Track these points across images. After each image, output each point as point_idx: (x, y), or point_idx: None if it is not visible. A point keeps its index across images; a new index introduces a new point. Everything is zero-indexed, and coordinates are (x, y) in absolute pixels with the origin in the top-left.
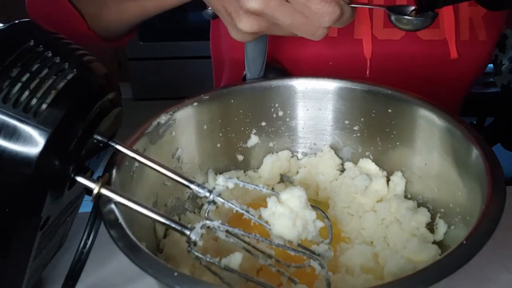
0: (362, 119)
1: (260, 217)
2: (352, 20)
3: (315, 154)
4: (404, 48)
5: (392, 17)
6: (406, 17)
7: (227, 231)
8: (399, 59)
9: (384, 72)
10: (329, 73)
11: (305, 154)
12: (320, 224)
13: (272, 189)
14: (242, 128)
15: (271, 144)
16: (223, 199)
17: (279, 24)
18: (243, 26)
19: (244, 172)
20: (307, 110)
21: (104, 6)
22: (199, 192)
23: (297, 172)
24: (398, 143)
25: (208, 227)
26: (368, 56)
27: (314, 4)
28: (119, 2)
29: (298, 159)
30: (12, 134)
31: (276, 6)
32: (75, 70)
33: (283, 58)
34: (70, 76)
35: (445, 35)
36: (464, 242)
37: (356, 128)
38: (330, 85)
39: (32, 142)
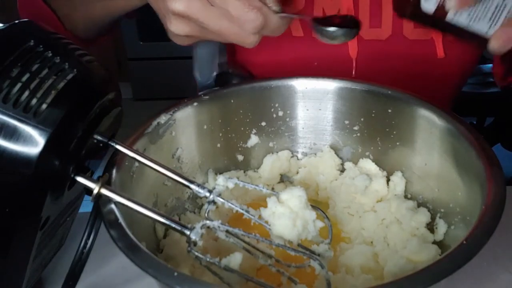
0: (362, 119)
1: (260, 217)
2: (285, 29)
3: (315, 154)
4: (390, 48)
5: (316, 29)
6: (329, 28)
7: (227, 231)
8: (385, 59)
9: (370, 72)
10: (314, 74)
11: (305, 154)
12: (320, 224)
13: (272, 189)
14: (242, 128)
15: (271, 144)
16: (223, 199)
17: (209, 29)
18: (173, 28)
19: (244, 172)
20: (307, 110)
21: (73, 6)
22: (199, 192)
23: (297, 172)
24: (398, 143)
25: (208, 227)
26: (353, 56)
27: (234, 10)
28: (85, 3)
29: (298, 159)
30: (12, 134)
31: (200, 9)
32: (75, 70)
33: (264, 61)
34: (70, 76)
35: (432, 34)
36: (464, 242)
37: (356, 128)
38: (330, 85)
39: (32, 142)
